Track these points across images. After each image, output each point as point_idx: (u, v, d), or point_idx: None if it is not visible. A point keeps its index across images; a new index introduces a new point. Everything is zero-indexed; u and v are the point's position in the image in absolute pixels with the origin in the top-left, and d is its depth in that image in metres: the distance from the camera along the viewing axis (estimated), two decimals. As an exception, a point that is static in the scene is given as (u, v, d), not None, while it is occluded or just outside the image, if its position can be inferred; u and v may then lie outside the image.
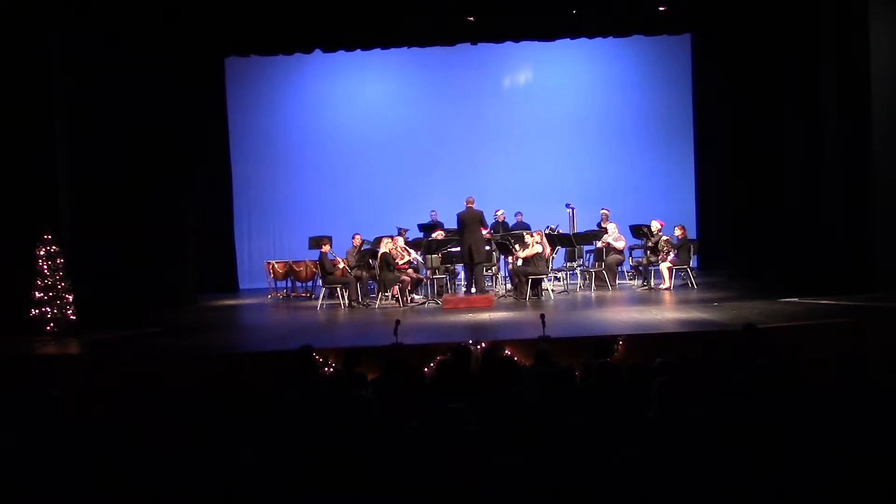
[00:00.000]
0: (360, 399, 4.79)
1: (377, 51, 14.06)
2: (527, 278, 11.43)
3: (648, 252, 12.44)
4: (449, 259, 11.95)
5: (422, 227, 13.56)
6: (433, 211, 13.87)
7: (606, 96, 15.26)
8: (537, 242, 11.44)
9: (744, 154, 12.69)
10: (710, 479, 3.79)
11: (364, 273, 11.94)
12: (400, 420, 4.60)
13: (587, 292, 12.19)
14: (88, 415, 5.37)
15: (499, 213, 13.85)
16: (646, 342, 7.62)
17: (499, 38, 13.50)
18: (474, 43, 13.66)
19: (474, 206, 11.36)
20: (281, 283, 13.60)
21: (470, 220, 11.22)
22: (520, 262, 11.56)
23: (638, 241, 13.10)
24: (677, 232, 12.10)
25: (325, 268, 11.72)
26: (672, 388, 4.43)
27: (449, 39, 13.51)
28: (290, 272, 13.31)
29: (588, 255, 13.18)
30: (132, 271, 11.62)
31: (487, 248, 11.99)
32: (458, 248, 11.54)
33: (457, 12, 12.43)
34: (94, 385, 7.31)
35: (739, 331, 6.63)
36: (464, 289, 11.85)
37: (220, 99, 14.72)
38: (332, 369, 7.21)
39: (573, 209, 13.29)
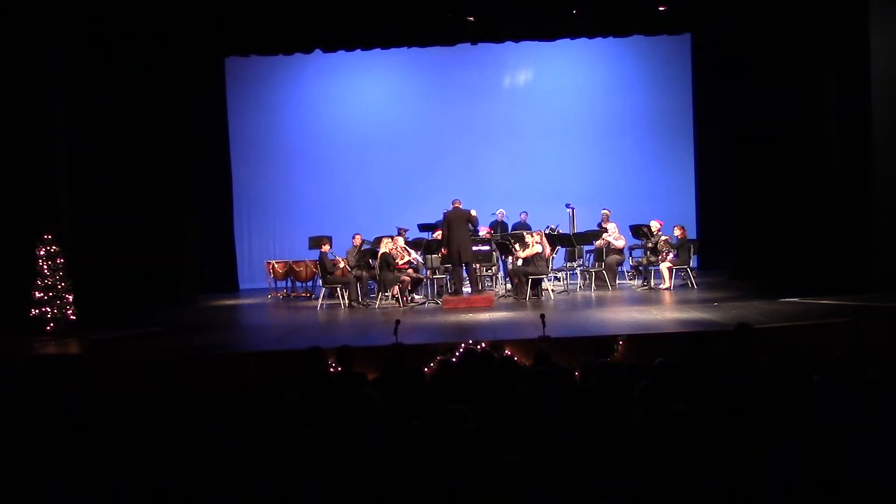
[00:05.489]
0: (368, 399, 4.79)
1: (377, 51, 14.05)
2: (527, 278, 11.43)
3: (648, 252, 12.45)
4: (449, 259, 11.92)
5: (422, 227, 13.56)
6: (445, 211, 13.78)
7: (606, 96, 15.25)
8: (537, 242, 11.43)
9: (744, 154, 12.69)
10: (706, 479, 3.79)
11: (364, 273, 11.94)
12: (400, 420, 4.60)
13: (587, 292, 12.19)
14: (88, 415, 5.36)
15: (499, 212, 13.83)
16: (646, 342, 7.63)
17: (499, 38, 13.49)
18: (474, 43, 13.65)
19: (461, 206, 11.28)
20: (281, 283, 13.59)
21: (456, 220, 11.13)
22: (520, 262, 11.56)
23: (638, 241, 13.10)
24: (677, 232, 12.11)
25: (325, 268, 11.72)
26: (655, 391, 4.43)
27: (449, 39, 13.50)
28: (290, 272, 13.31)
29: (588, 255, 13.17)
30: (132, 271, 11.62)
31: (487, 248, 11.98)
32: (445, 250, 11.42)
33: (457, 12, 12.43)
34: (94, 385, 7.31)
35: (733, 330, 6.63)
36: (466, 289, 11.80)
37: (220, 99, 14.72)
38: (338, 369, 7.20)
39: (573, 209, 13.29)
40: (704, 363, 5.88)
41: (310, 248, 13.16)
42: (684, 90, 14.79)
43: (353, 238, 12.30)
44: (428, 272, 12.07)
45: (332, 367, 7.12)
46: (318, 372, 6.55)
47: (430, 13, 12.39)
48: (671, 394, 4.58)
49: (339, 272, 11.84)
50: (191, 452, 4.25)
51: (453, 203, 11.28)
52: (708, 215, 14.30)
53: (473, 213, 11.40)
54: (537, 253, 11.34)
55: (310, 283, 13.42)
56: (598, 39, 14.15)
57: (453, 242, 11.06)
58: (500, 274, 13.18)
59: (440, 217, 13.74)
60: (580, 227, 13.13)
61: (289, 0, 11.97)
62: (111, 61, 11.50)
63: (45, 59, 10.50)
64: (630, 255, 13.36)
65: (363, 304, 11.66)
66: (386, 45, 13.88)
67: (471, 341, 7.53)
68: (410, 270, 11.99)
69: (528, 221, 13.74)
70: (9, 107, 10.25)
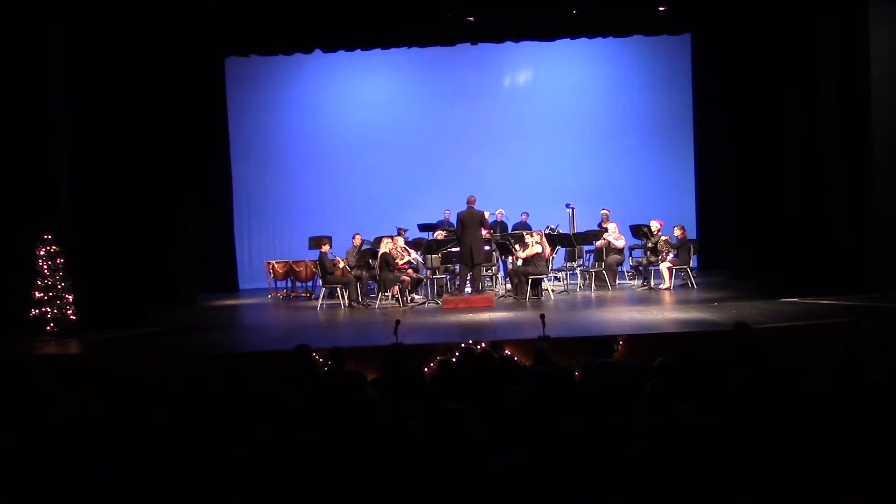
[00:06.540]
0: (367, 398, 4.78)
1: (377, 51, 14.06)
2: (527, 278, 11.43)
3: (648, 252, 12.45)
4: (449, 259, 11.95)
5: (422, 227, 13.56)
6: (447, 210, 13.81)
7: (606, 96, 15.26)
8: (537, 242, 11.44)
9: (744, 154, 12.70)
10: (706, 479, 3.79)
11: (364, 273, 11.94)
12: (400, 420, 4.60)
13: (587, 292, 12.19)
14: (88, 415, 5.36)
15: (499, 212, 13.84)
16: (646, 342, 7.63)
17: (499, 38, 13.50)
18: (474, 43, 13.66)
19: (475, 206, 11.35)
20: (281, 283, 13.60)
21: (470, 221, 11.21)
22: (520, 262, 11.56)
23: (638, 241, 13.11)
24: (676, 232, 12.11)
25: (325, 268, 11.72)
26: (662, 390, 4.42)
27: (449, 39, 13.51)
28: (290, 272, 13.31)
29: (588, 255, 13.18)
30: (132, 271, 11.60)
31: (487, 248, 12.00)
32: (458, 248, 11.53)
33: (457, 12, 12.43)
34: (94, 385, 7.31)
35: (731, 330, 6.63)
36: (467, 289, 11.81)
37: (220, 99, 14.73)
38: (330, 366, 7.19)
39: (573, 209, 13.30)
40: (704, 363, 5.88)
41: (310, 248, 13.17)
42: (684, 90, 14.80)
43: (353, 238, 12.30)
44: (428, 272, 12.07)
45: (325, 364, 7.12)
46: (312, 371, 6.55)
47: (430, 13, 12.40)
48: (678, 393, 4.58)
49: (339, 272, 11.84)
50: (190, 452, 4.25)
51: (468, 202, 11.31)
52: (708, 215, 14.30)
53: (487, 214, 11.59)
54: (537, 253, 11.35)
55: (310, 283, 13.43)
56: (598, 39, 14.16)
57: (465, 243, 11.13)
58: (500, 274, 13.18)
59: (440, 216, 13.83)
60: (580, 227, 13.14)
61: (289, 0, 11.97)
62: (111, 61, 11.49)
63: (45, 59, 10.49)
64: (630, 255, 13.37)
65: (363, 304, 11.66)
66: (386, 46, 13.89)
67: (471, 341, 7.53)
68: (410, 270, 11.99)
69: (528, 222, 13.74)
70: (9, 107, 10.24)
